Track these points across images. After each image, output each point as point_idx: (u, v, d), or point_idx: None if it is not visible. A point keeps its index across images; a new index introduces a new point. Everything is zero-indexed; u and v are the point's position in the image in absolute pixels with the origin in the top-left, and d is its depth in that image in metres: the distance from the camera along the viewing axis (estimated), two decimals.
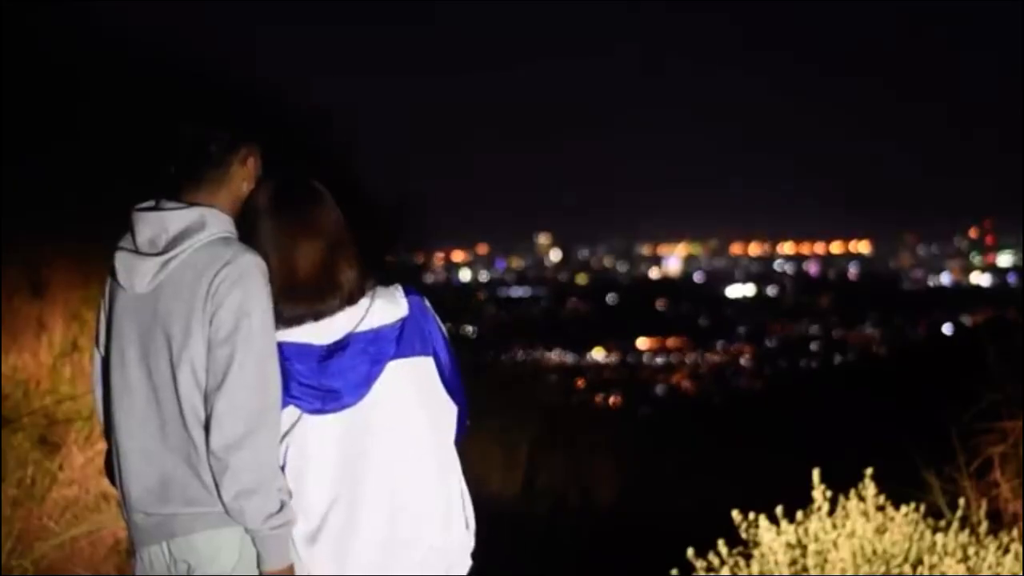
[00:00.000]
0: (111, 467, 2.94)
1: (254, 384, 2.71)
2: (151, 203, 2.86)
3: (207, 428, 2.71)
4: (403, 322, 2.87)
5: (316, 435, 2.81)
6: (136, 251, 2.82)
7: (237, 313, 2.71)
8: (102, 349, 2.96)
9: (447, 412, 2.95)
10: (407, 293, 2.91)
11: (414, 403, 2.87)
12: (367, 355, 2.82)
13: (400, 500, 2.83)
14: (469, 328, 15.94)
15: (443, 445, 2.93)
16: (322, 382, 2.80)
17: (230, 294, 2.72)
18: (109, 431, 2.92)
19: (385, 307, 2.87)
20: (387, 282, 2.94)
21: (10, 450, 5.56)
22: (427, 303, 2.94)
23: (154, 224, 2.80)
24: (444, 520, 2.88)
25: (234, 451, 2.68)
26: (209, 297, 2.73)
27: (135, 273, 2.80)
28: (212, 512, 2.74)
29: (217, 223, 2.81)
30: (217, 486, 2.71)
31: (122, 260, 2.84)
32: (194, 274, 2.75)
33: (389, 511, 2.82)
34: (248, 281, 2.74)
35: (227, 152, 2.86)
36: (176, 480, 2.76)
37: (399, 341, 2.85)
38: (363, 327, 2.83)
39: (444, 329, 2.97)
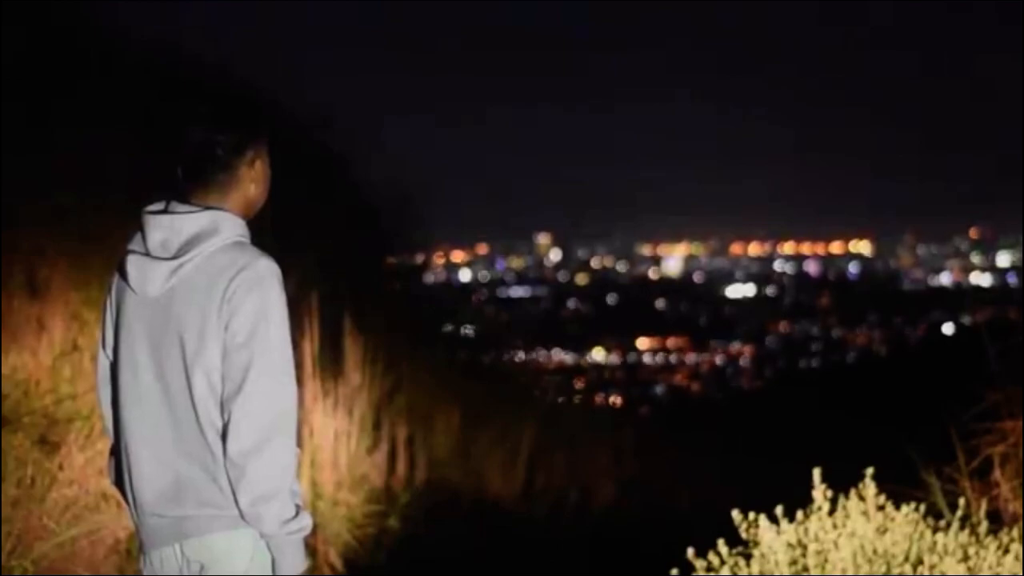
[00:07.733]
0: (117, 470, 2.92)
1: (271, 390, 2.69)
2: (161, 205, 2.82)
3: (224, 434, 2.69)
4: None
5: None
6: (147, 254, 2.78)
7: (254, 319, 2.69)
8: (109, 352, 2.93)
9: None
10: None
11: None
12: None
13: None
14: (469, 328, 15.93)
15: None
16: None
17: (247, 299, 2.70)
18: (118, 434, 2.89)
19: None
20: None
21: (10, 450, 5.55)
22: None
23: (165, 227, 2.77)
24: None
25: (251, 457, 2.66)
26: (225, 302, 2.70)
27: (147, 277, 2.77)
28: (226, 514, 2.73)
29: (230, 227, 2.77)
30: (234, 491, 2.69)
31: (133, 263, 2.80)
32: (208, 279, 2.72)
33: None
34: (265, 286, 2.72)
35: (234, 155, 2.82)
36: (191, 482, 2.74)
37: None
38: None
39: None
